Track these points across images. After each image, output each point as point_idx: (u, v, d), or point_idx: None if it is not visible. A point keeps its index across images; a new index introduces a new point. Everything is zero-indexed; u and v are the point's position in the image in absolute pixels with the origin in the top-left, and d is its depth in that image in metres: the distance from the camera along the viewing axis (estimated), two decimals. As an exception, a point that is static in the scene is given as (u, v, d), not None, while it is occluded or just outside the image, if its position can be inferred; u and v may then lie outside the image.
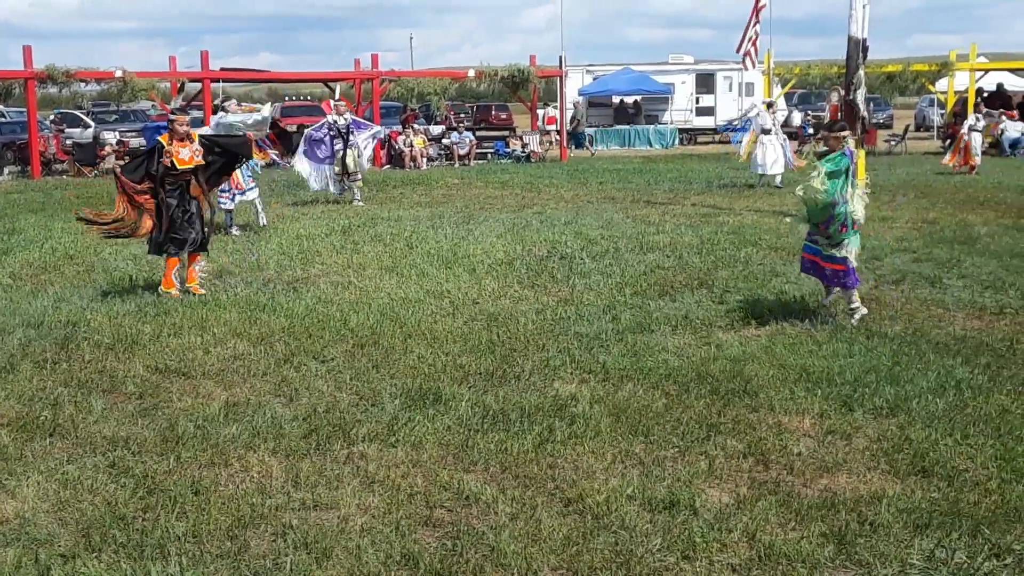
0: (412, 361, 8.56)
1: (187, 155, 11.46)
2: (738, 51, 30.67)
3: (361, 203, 20.99)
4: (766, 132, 23.09)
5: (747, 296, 10.89)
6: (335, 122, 20.81)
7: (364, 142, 21.47)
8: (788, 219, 10.45)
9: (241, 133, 14.16)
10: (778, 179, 23.12)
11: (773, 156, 22.98)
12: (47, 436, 6.87)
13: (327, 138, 20.74)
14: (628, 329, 9.55)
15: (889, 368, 8.10)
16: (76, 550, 5.17)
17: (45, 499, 5.82)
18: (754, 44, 30.51)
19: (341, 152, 20.77)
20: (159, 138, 11.71)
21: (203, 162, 11.63)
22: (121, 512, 5.61)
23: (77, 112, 42.30)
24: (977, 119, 26.14)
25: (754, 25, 30.31)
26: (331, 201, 21.33)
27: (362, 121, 22.52)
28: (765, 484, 5.95)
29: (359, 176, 21.46)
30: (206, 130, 15.37)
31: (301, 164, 20.83)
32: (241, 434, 6.82)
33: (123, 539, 5.28)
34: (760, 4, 30.30)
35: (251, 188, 17.06)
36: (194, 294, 11.39)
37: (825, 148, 9.99)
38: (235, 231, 16.74)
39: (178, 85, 30.60)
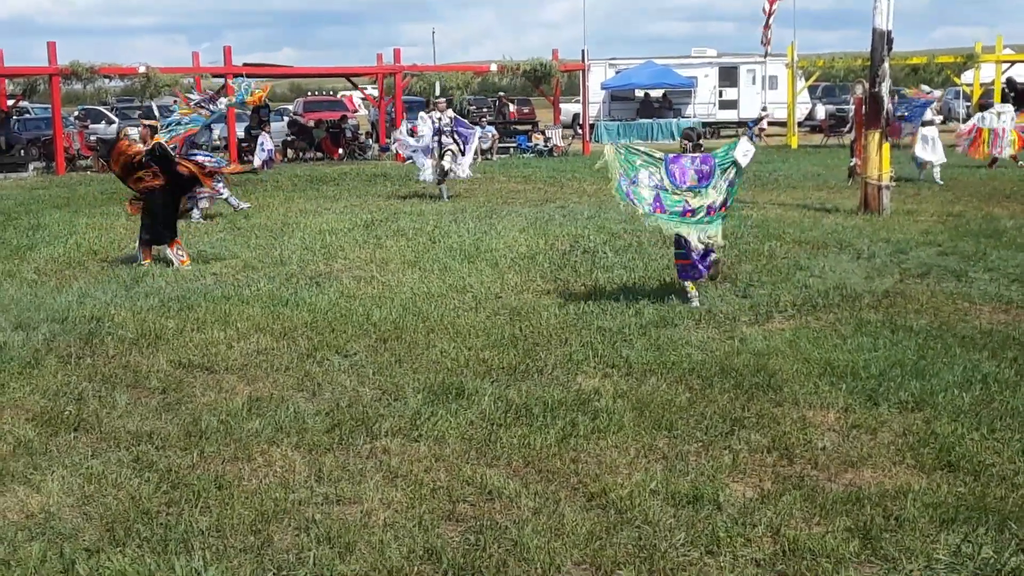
0: (435, 355, 8.56)
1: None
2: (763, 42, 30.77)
3: (447, 199, 20.86)
4: (927, 124, 22.02)
5: (771, 290, 10.84)
6: (439, 119, 20.90)
7: (470, 148, 21.48)
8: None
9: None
10: (937, 174, 21.90)
11: (933, 148, 21.87)
12: (71, 431, 6.90)
13: (428, 134, 20.83)
14: (651, 323, 9.52)
15: (915, 362, 8.04)
16: (100, 544, 5.19)
17: (70, 493, 5.85)
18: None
19: (439, 148, 20.82)
20: (163, 141, 13.54)
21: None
22: (145, 506, 5.62)
23: (101, 108, 42.49)
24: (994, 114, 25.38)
25: (771, 15, 30.47)
26: (357, 196, 21.38)
27: (464, 123, 22.33)
28: (789, 479, 5.91)
29: (455, 173, 21.21)
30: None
31: (417, 157, 21.15)
32: (264, 429, 6.83)
33: (147, 533, 5.30)
34: None
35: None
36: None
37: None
38: (196, 215, 17.60)
39: (200, 83, 30.84)
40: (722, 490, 5.71)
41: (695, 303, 10.24)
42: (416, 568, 4.91)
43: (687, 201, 10.28)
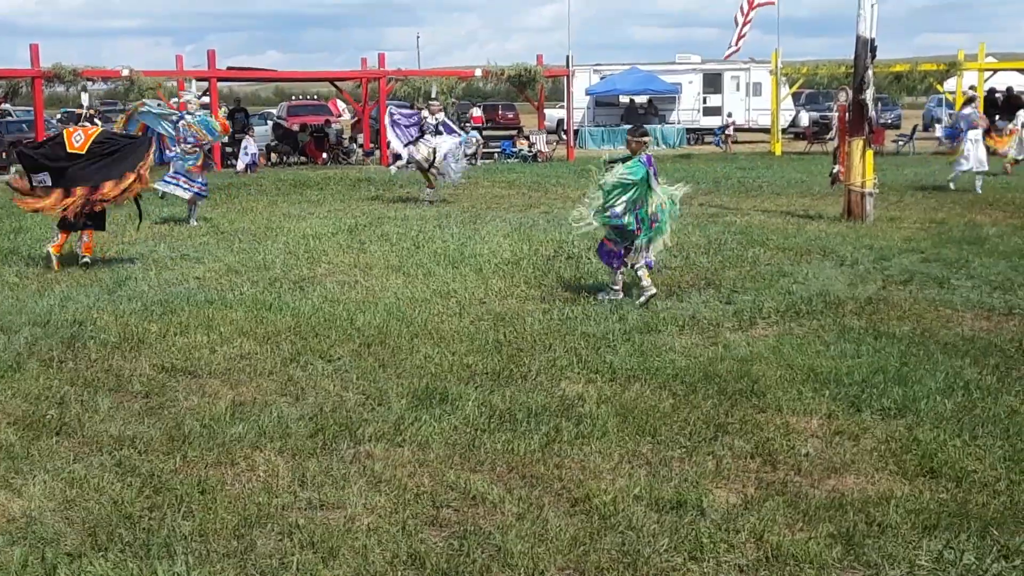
0: (419, 361, 8.55)
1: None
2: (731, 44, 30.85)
3: (428, 202, 21.02)
4: (975, 129, 21.89)
5: (754, 296, 10.87)
6: (425, 118, 21.15)
7: (450, 151, 21.18)
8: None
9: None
10: (979, 183, 21.57)
11: (975, 151, 21.64)
12: (53, 435, 6.86)
13: (413, 128, 21.13)
14: (635, 329, 9.53)
15: (897, 369, 8.08)
16: (82, 549, 5.16)
17: (51, 498, 5.82)
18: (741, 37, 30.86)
19: (429, 146, 20.98)
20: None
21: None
22: (127, 511, 5.60)
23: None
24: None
25: (746, 22, 30.57)
26: (341, 200, 21.36)
27: (452, 127, 22.25)
28: (772, 485, 5.93)
29: (438, 173, 21.27)
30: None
31: (395, 143, 21.66)
32: (247, 433, 6.81)
33: (129, 538, 5.27)
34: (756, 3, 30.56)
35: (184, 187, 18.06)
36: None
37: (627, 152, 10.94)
38: (193, 223, 17.89)
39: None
40: (705, 496, 5.72)
41: (616, 295, 10.81)
42: (399, 573, 4.91)
43: (654, 205, 10.75)
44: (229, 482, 6.03)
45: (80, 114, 13.98)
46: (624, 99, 45.66)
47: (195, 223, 17.81)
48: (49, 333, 9.57)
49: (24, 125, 34.32)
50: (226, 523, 5.43)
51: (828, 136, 33.33)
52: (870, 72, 17.10)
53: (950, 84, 37.58)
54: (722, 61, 47.68)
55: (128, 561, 5.01)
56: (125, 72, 30.91)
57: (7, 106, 38.15)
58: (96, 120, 13.77)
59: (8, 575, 4.91)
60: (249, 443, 6.64)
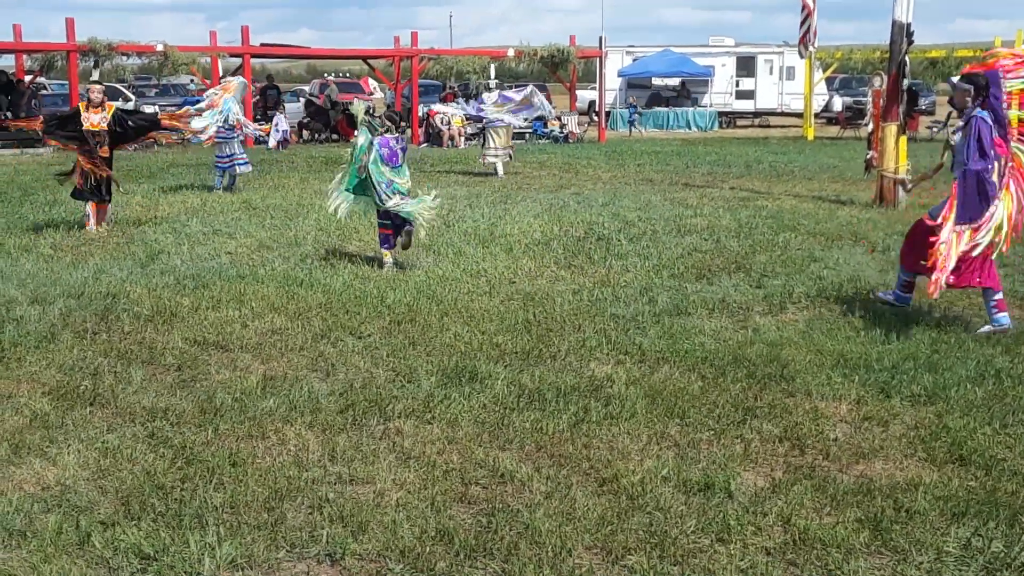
0: (448, 339, 8.59)
1: (96, 120, 14.15)
2: (802, 42, 30.36)
3: (500, 175, 22.28)
4: None
5: (785, 280, 10.84)
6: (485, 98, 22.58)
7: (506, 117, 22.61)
8: None
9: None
10: None
11: None
12: (87, 405, 6.95)
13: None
14: (665, 311, 9.53)
15: (928, 356, 8.05)
16: (115, 518, 5.23)
17: (85, 467, 5.90)
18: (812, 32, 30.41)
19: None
20: (80, 104, 14.47)
21: (107, 128, 14.20)
22: (160, 481, 5.67)
23: (118, 85, 42.54)
24: None
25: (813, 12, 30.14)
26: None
27: (509, 97, 23.23)
28: (800, 469, 5.93)
29: (506, 151, 22.85)
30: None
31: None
32: (278, 407, 6.87)
33: (162, 508, 5.34)
34: None
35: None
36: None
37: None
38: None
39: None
40: (733, 479, 5.73)
41: (388, 266, 11.57)
42: (428, 548, 4.95)
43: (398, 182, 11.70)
44: (260, 455, 6.09)
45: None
46: (657, 81, 45.44)
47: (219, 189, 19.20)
48: (83, 305, 9.66)
49: (59, 99, 34.50)
50: (257, 496, 5.49)
51: (863, 122, 33.13)
52: (907, 58, 16.95)
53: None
54: (756, 44, 47.35)
55: (160, 531, 5.08)
56: (159, 47, 31.03)
57: (43, 80, 38.35)
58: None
59: (43, 541, 4.98)
60: (280, 417, 6.70)
